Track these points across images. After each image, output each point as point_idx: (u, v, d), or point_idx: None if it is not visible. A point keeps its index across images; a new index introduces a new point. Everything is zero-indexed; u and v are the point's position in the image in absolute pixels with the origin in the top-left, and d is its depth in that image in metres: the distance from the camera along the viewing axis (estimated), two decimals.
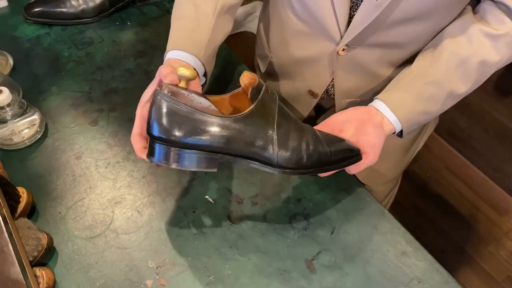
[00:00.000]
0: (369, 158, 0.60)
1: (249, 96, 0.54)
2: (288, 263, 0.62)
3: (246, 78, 0.58)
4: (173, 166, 0.53)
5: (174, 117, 0.51)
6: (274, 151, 0.54)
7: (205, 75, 0.65)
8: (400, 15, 0.62)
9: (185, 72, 0.53)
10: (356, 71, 0.73)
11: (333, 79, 0.75)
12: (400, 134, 0.66)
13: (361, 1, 0.62)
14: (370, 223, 0.66)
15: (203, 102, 0.53)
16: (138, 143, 0.57)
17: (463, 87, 0.64)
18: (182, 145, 0.52)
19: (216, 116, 0.52)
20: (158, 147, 0.53)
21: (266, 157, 0.54)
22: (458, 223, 1.63)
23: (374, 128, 0.61)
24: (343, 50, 0.69)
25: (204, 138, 0.52)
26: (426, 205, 1.68)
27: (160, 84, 0.54)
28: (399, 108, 0.63)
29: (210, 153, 0.53)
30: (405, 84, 0.65)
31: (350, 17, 0.65)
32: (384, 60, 0.70)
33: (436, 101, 0.64)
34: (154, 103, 0.52)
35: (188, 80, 0.54)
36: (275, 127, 0.54)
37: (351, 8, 0.64)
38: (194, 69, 0.61)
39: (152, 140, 0.53)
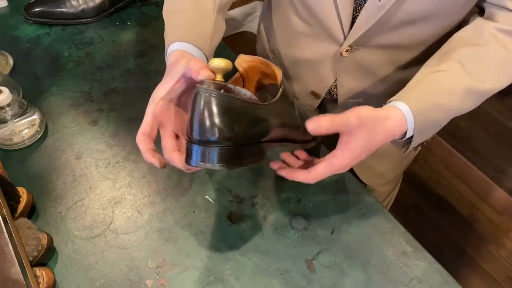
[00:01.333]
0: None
1: (279, 80, 0.53)
2: (288, 263, 0.62)
3: (245, 62, 0.55)
4: (219, 167, 0.48)
5: (231, 114, 0.46)
6: (300, 128, 0.54)
7: None
8: (403, 16, 0.61)
9: (220, 63, 0.48)
10: (360, 73, 0.72)
11: (336, 80, 0.75)
12: (410, 139, 0.59)
13: (365, 2, 0.62)
14: (370, 223, 0.66)
15: (247, 93, 0.50)
16: (145, 143, 0.52)
17: (487, 83, 0.59)
18: (240, 142, 0.48)
19: (263, 104, 0.50)
20: (211, 149, 0.47)
21: (295, 135, 0.54)
22: (458, 223, 1.63)
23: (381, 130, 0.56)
24: (347, 51, 0.69)
25: (260, 129, 0.49)
26: (426, 205, 1.68)
27: (201, 81, 0.49)
28: (409, 97, 0.57)
29: (260, 143, 0.51)
30: (415, 80, 0.60)
31: (354, 18, 0.65)
32: (388, 61, 0.70)
33: (453, 93, 0.58)
34: (204, 102, 0.46)
35: (223, 73, 0.50)
36: (295, 106, 0.55)
37: (354, 9, 0.64)
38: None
39: (200, 143, 0.48)
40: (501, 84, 0.60)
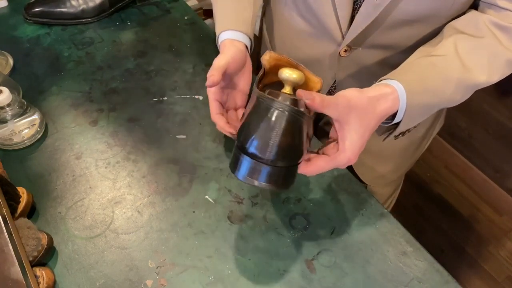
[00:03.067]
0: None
1: (318, 88, 0.51)
2: (288, 263, 0.62)
3: (273, 60, 0.52)
4: (265, 186, 0.44)
5: (298, 133, 0.42)
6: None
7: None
8: (400, 16, 0.61)
9: (291, 74, 0.44)
10: (359, 73, 0.72)
11: (335, 81, 0.75)
12: (395, 124, 0.58)
13: (363, 1, 0.62)
14: (370, 223, 0.66)
15: (303, 104, 0.45)
16: (222, 119, 0.60)
17: (479, 75, 0.57)
18: (292, 163, 0.44)
19: (310, 115, 0.46)
20: (262, 167, 0.43)
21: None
22: (458, 223, 1.63)
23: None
24: (345, 51, 0.69)
25: (307, 143, 0.45)
26: (426, 205, 1.68)
27: (270, 91, 0.45)
28: (404, 78, 0.55)
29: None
30: (410, 62, 0.59)
31: (352, 18, 0.65)
32: (387, 62, 0.70)
33: (447, 80, 0.56)
34: (276, 118, 0.41)
35: (294, 85, 0.45)
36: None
37: (354, 10, 0.64)
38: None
39: (254, 157, 0.43)
40: (493, 78, 0.58)
